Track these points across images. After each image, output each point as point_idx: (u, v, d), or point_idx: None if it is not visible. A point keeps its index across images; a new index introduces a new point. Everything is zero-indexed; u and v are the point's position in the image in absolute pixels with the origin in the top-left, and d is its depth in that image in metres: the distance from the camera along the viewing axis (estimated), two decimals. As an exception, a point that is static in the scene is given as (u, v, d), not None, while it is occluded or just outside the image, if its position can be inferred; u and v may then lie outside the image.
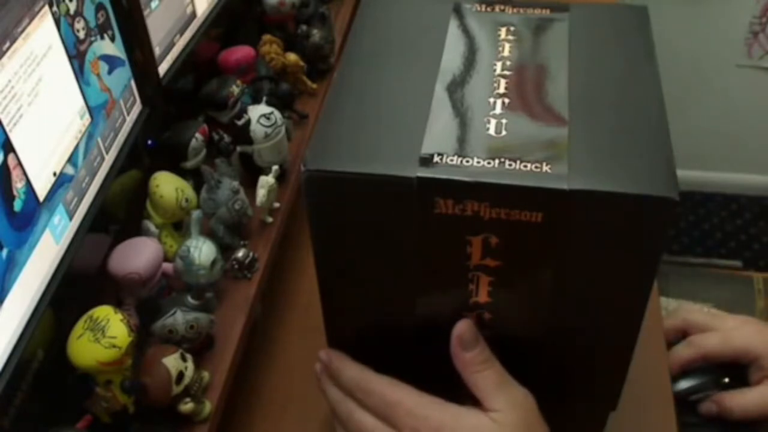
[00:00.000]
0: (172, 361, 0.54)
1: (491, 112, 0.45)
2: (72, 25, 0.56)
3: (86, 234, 0.56)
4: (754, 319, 0.74)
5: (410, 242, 0.44)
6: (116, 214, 0.64)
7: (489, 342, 0.47)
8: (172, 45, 0.73)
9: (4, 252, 0.46)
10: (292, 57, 0.89)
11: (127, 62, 0.65)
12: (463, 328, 0.47)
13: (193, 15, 0.78)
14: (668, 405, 0.65)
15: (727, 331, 0.71)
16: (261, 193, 0.71)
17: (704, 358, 0.71)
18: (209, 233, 0.68)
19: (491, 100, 0.46)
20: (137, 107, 0.67)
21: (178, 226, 0.70)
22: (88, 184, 0.58)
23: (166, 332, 0.58)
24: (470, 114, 0.45)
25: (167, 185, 0.66)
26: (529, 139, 0.43)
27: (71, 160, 0.55)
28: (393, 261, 0.46)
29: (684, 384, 0.71)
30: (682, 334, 0.74)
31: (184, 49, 0.76)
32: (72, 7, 0.55)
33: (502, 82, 0.47)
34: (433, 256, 0.44)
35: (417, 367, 0.49)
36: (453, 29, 0.52)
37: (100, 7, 0.60)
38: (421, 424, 0.46)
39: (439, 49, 0.50)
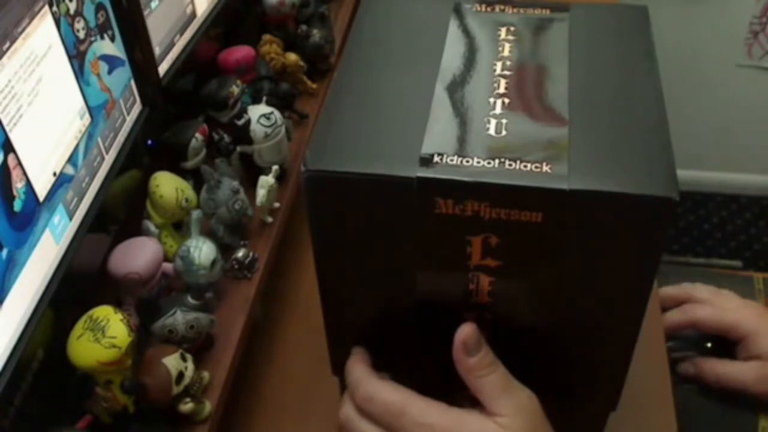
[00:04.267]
0: (172, 361, 0.54)
1: (491, 112, 0.45)
2: (72, 25, 0.56)
3: (86, 234, 0.56)
4: (758, 305, 0.74)
5: (410, 242, 0.44)
6: (116, 214, 0.64)
7: (489, 342, 0.47)
8: (172, 45, 0.73)
9: (4, 252, 0.46)
10: (292, 57, 0.89)
11: (127, 62, 0.65)
12: (466, 332, 0.46)
13: (193, 15, 0.78)
14: (668, 405, 0.65)
15: (723, 306, 0.72)
16: (261, 193, 0.71)
17: (693, 326, 0.71)
18: (209, 233, 0.68)
19: (491, 100, 0.46)
20: (137, 107, 0.67)
21: (178, 226, 0.70)
22: (88, 184, 0.58)
23: (166, 332, 0.58)
24: (470, 114, 0.45)
25: (167, 185, 0.66)
26: (529, 139, 0.43)
27: (71, 160, 0.55)
28: (393, 261, 0.46)
29: (667, 344, 0.71)
30: (679, 303, 0.74)
31: (184, 49, 0.76)
32: (72, 7, 0.55)
33: (502, 82, 0.47)
34: (433, 257, 0.44)
35: (416, 367, 0.49)
36: (453, 29, 0.52)
37: (100, 7, 0.60)
38: None
39: (439, 49, 0.50)
